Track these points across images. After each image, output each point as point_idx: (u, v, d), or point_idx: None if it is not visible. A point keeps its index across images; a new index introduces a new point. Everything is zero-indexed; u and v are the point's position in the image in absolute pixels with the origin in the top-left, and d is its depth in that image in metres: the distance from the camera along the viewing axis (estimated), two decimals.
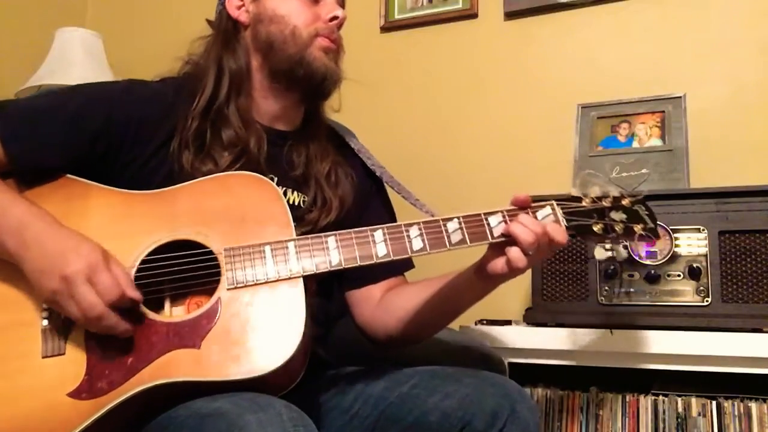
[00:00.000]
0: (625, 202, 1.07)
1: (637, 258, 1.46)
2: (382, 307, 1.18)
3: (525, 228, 0.98)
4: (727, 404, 1.38)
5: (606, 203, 1.07)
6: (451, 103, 2.10)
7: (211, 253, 0.97)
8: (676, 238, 1.44)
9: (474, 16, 2.10)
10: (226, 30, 1.18)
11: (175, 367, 0.89)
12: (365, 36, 2.20)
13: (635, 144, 1.72)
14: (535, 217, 1.02)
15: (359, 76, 2.18)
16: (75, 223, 0.97)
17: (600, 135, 1.77)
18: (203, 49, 1.19)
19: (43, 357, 0.91)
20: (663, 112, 1.73)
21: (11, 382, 0.90)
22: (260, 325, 0.92)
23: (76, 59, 2.10)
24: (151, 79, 1.17)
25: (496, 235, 1.00)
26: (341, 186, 1.19)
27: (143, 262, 0.96)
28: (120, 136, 1.07)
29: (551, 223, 1.01)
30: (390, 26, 2.19)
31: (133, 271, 0.96)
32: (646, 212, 1.08)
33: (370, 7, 2.21)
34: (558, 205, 1.05)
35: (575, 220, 1.04)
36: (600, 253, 1.07)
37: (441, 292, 1.11)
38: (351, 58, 2.16)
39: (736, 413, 1.37)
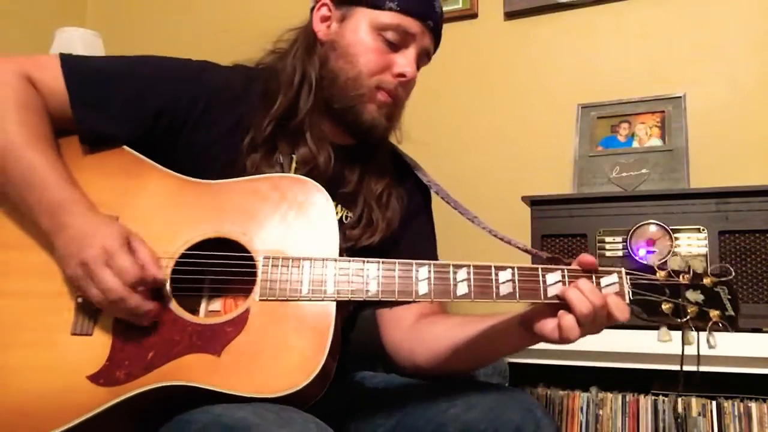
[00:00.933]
0: (706, 281, 0.96)
1: (636, 258, 1.46)
2: (414, 333, 1.12)
3: (582, 296, 0.89)
4: (727, 404, 1.38)
5: (683, 279, 0.96)
6: (451, 103, 2.10)
7: (251, 257, 0.95)
8: (676, 238, 1.44)
9: (474, 16, 2.10)
10: (308, 37, 1.13)
11: (191, 370, 0.88)
12: None
13: (635, 144, 1.72)
14: (599, 284, 0.93)
15: None
16: (129, 201, 0.98)
17: (600, 135, 1.77)
18: (288, 46, 1.14)
19: (72, 334, 0.92)
20: (663, 112, 1.73)
21: (37, 353, 0.91)
22: (284, 345, 0.90)
23: None
24: (225, 65, 1.15)
25: (550, 295, 0.92)
26: (391, 209, 1.14)
27: (183, 255, 0.96)
28: (184, 115, 1.05)
29: (613, 295, 0.91)
30: None
31: (172, 262, 0.95)
32: (729, 296, 0.95)
33: None
34: (627, 274, 0.95)
35: (643, 294, 0.94)
36: (664, 335, 0.96)
37: (480, 335, 1.04)
38: None
39: (736, 413, 1.37)
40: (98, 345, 0.91)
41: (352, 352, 1.23)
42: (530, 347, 1.48)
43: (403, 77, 1.09)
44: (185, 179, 1.01)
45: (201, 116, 1.06)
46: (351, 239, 1.09)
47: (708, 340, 0.95)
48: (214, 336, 0.90)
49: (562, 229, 1.55)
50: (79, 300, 0.93)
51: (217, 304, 0.98)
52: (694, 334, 0.97)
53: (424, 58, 1.14)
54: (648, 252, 1.46)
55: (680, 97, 1.72)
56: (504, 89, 2.05)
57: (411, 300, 0.94)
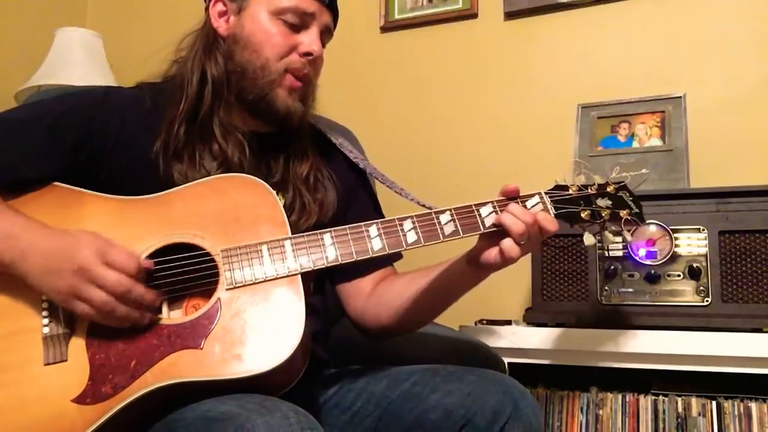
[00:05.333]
0: (609, 189, 1.11)
1: (636, 258, 1.46)
2: (375, 298, 1.18)
3: (515, 218, 1.00)
4: (727, 404, 1.38)
5: (592, 190, 1.11)
6: (451, 104, 2.10)
7: (208, 254, 0.98)
8: (676, 238, 1.44)
9: (474, 16, 2.10)
10: (207, 35, 1.15)
11: (178, 368, 0.90)
12: (365, 36, 2.20)
13: (635, 144, 1.72)
14: (525, 207, 1.04)
15: (359, 76, 2.20)
16: None
17: (600, 135, 1.77)
18: (187, 51, 1.16)
19: (45, 364, 0.91)
20: (663, 112, 1.73)
21: (15, 391, 0.90)
22: (261, 324, 0.93)
23: (76, 59, 2.11)
24: (129, 86, 1.17)
25: (487, 225, 1.02)
26: (321, 190, 1.17)
27: None
28: (101, 142, 1.06)
29: (541, 212, 1.03)
30: (390, 26, 2.19)
31: None
32: (630, 198, 1.12)
33: (370, 7, 2.21)
34: (546, 194, 1.08)
35: (563, 207, 1.08)
36: (588, 239, 1.10)
37: (434, 282, 1.11)
38: (351, 58, 2.17)
39: (736, 413, 1.37)
40: (76, 368, 0.91)
41: (340, 352, 1.26)
42: (530, 347, 1.49)
43: (310, 55, 1.12)
44: (122, 199, 1.02)
45: (117, 139, 1.07)
46: (291, 226, 1.09)
47: (623, 237, 1.11)
48: (192, 331, 0.92)
49: (561, 228, 1.55)
50: (45, 331, 0.93)
51: (177, 311, 0.99)
52: (609, 235, 1.12)
53: (326, 34, 1.17)
54: (648, 252, 1.46)
55: (680, 97, 1.72)
56: (504, 89, 2.05)
57: (369, 256, 1.00)
